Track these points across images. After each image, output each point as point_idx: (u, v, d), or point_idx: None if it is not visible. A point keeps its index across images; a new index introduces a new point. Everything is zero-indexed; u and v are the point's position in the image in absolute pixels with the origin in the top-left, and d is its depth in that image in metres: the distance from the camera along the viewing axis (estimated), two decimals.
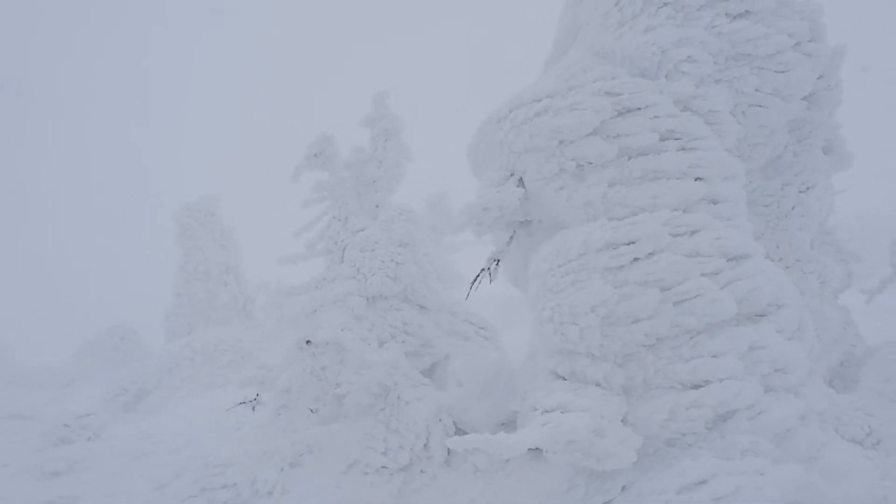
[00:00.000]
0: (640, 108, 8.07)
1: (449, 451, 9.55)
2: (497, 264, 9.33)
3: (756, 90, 8.50)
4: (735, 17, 8.45)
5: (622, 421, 7.32)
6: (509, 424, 9.76)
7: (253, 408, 11.55)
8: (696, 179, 7.88)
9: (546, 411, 7.42)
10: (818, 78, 9.10)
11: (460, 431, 9.89)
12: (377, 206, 12.46)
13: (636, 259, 7.47)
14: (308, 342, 10.14)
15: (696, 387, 7.17)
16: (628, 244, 7.51)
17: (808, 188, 9.50)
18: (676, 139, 8.00)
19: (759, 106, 8.59)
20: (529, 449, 6.77)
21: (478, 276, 9.20)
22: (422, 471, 9.47)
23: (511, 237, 9.34)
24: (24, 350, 28.63)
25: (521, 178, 8.82)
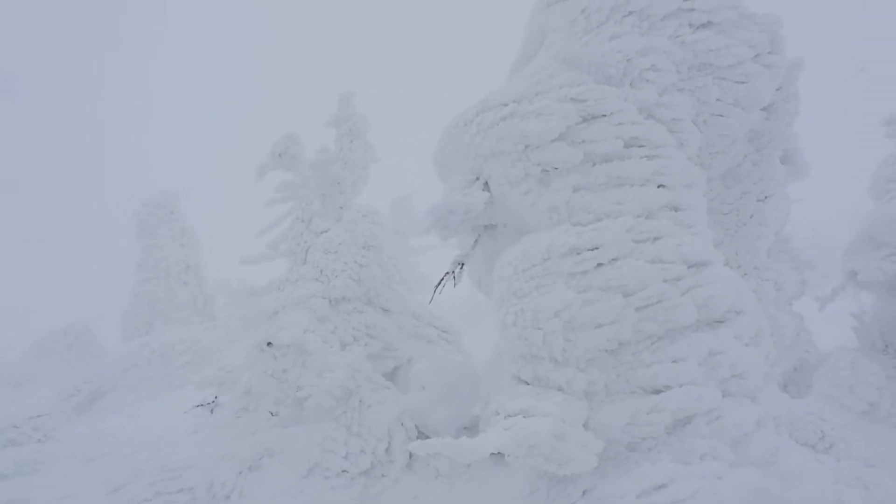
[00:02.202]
0: (604, 115, 8.17)
1: (411, 455, 9.51)
2: (461, 268, 9.33)
3: (717, 100, 8.67)
4: (698, 28, 8.61)
5: (584, 425, 7.36)
6: (472, 428, 9.76)
7: (211, 410, 11.35)
8: (658, 186, 7.99)
9: (509, 416, 7.43)
10: (777, 89, 9.31)
11: (422, 435, 9.85)
12: (341, 208, 12.36)
13: (599, 265, 7.53)
14: (269, 344, 10.00)
15: (657, 391, 7.25)
16: (592, 250, 7.57)
17: (766, 197, 9.70)
18: (640, 146, 8.11)
19: (721, 115, 8.75)
20: (492, 453, 6.75)
21: (442, 279, 9.18)
22: (383, 475, 9.40)
23: (476, 241, 9.34)
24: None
25: (487, 182, 8.83)
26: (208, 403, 11.42)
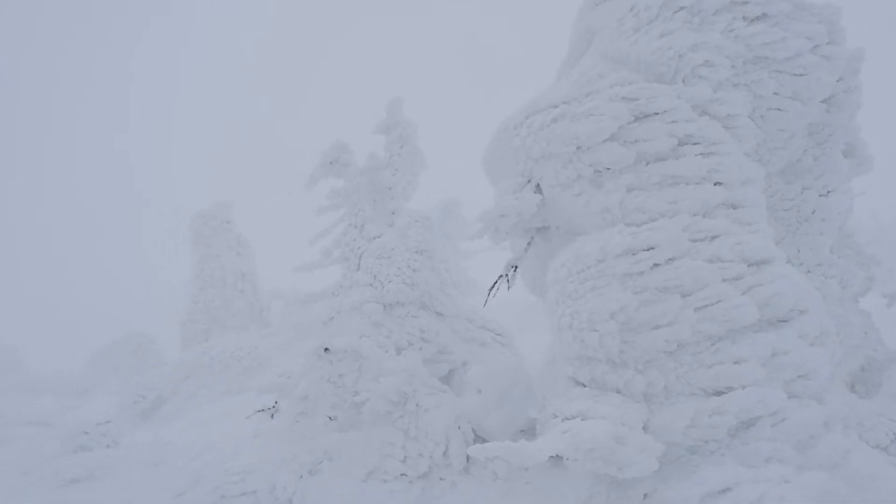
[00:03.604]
0: (657, 114, 8.05)
1: (468, 459, 9.52)
2: (515, 271, 9.31)
3: (774, 94, 8.46)
4: (752, 21, 8.41)
5: (643, 428, 7.26)
6: (528, 431, 9.73)
7: (272, 415, 11.57)
8: (715, 184, 7.84)
9: (566, 419, 7.39)
10: (837, 81, 9.03)
11: (479, 438, 9.86)
12: (393, 213, 12.47)
13: (656, 265, 7.42)
14: (326, 349, 10.14)
15: (719, 393, 7.11)
16: (647, 250, 7.47)
17: (828, 192, 9.42)
18: (695, 144, 7.96)
19: (778, 109, 8.54)
20: (550, 456, 6.73)
21: (496, 282, 9.18)
22: (441, 478, 9.44)
23: (528, 243, 9.32)
24: (32, 357, 28.87)
25: (539, 185, 8.81)
26: (269, 408, 11.64)
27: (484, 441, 9.52)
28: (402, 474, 9.45)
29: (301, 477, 9.75)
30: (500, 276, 9.20)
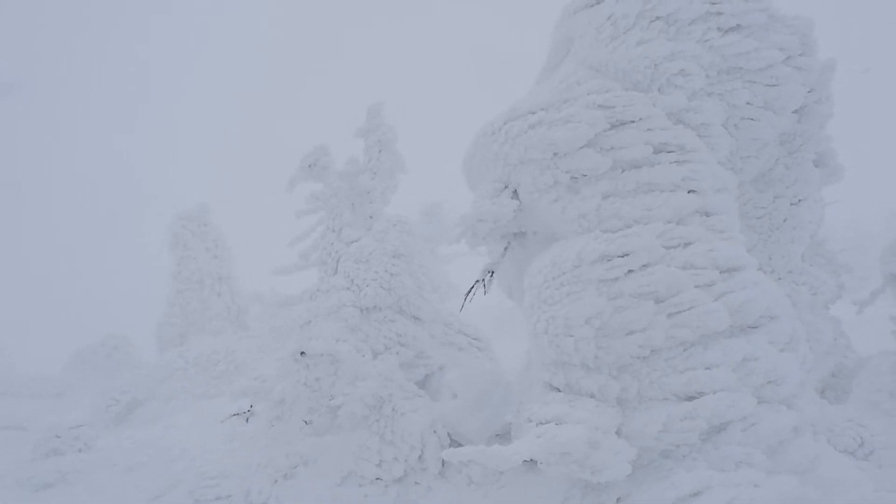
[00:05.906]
0: (633, 121, 8.15)
1: (444, 463, 9.54)
2: (491, 276, 9.36)
3: (748, 103, 8.60)
4: (727, 32, 8.55)
5: (617, 432, 7.33)
6: (504, 436, 9.78)
7: (247, 419, 11.50)
8: (689, 192, 7.95)
9: (541, 423, 7.43)
10: (809, 91, 9.21)
11: (455, 443, 9.89)
12: (371, 217, 12.48)
13: (630, 271, 7.50)
14: (302, 353, 10.12)
15: (691, 398, 7.20)
16: (622, 256, 7.55)
17: (799, 200, 9.59)
18: (669, 152, 8.07)
19: (751, 119, 8.68)
20: (524, 461, 6.77)
21: (472, 287, 9.22)
22: (416, 482, 9.45)
23: (505, 249, 9.37)
24: (18, 357, 28.37)
25: (516, 190, 8.87)
26: (244, 412, 11.58)
27: (460, 445, 9.54)
28: (377, 478, 9.45)
29: (276, 481, 9.72)
30: (477, 280, 9.23)
